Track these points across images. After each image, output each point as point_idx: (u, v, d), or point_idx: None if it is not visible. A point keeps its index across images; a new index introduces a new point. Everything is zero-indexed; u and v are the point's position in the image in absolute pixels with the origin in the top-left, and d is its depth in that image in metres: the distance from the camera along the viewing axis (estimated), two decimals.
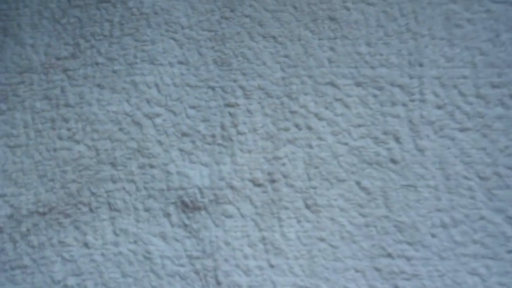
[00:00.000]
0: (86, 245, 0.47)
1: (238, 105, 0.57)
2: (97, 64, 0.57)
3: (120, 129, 0.53)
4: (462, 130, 0.55)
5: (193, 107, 0.56)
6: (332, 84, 0.59)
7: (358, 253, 0.51)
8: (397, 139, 0.56)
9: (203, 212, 0.51)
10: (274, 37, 0.61)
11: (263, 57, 0.60)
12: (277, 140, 0.56)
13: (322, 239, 0.51)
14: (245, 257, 0.49)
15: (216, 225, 0.50)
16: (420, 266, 0.50)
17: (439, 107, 0.57)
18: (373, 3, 0.63)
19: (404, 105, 0.57)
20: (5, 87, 0.54)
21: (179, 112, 0.56)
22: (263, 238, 0.50)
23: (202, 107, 0.57)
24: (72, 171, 0.51)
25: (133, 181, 0.51)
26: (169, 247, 0.48)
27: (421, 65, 0.59)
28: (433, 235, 0.51)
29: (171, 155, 0.53)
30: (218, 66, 0.59)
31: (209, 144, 0.55)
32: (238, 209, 0.51)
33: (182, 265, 0.47)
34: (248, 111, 0.57)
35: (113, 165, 0.52)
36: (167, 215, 0.50)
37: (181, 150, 0.54)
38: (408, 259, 0.51)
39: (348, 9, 0.63)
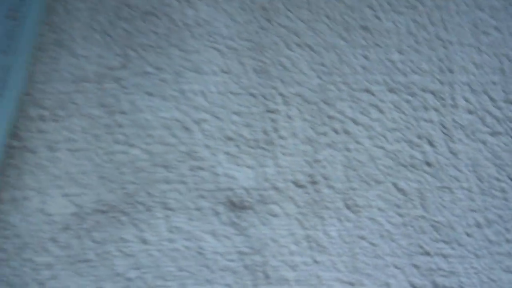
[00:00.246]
0: (144, 241, 0.50)
1: (278, 111, 0.59)
2: (146, 73, 0.60)
3: (171, 134, 0.56)
4: (493, 134, 0.57)
5: (236, 113, 0.59)
6: (366, 90, 0.61)
7: (397, 251, 0.53)
8: (431, 143, 0.58)
9: (250, 211, 0.53)
10: (309, 46, 0.63)
11: (300, 65, 0.62)
12: (316, 144, 0.58)
13: (362, 238, 0.53)
14: (291, 253, 0.51)
15: (263, 224, 0.53)
16: (457, 263, 0.52)
17: (470, 112, 0.59)
18: (403, 12, 0.65)
19: (436, 110, 0.59)
20: (63, 95, 0.57)
21: (223, 118, 0.58)
22: (307, 236, 0.53)
23: (245, 113, 0.59)
24: (129, 172, 0.54)
25: (184, 182, 0.54)
26: (220, 244, 0.51)
27: (451, 71, 0.61)
28: (468, 234, 0.53)
29: (218, 158, 0.56)
30: (257, 74, 0.61)
31: (252, 148, 0.57)
32: (283, 208, 0.54)
33: (232, 260, 0.50)
34: (288, 116, 0.59)
35: (166, 167, 0.54)
36: (217, 214, 0.53)
37: (227, 153, 0.56)
38: (445, 256, 0.52)
39: (379, 18, 0.65)
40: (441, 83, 0.62)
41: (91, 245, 0.50)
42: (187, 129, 0.57)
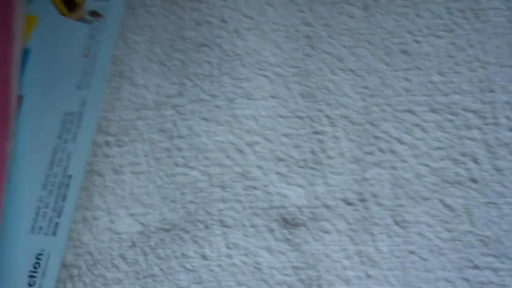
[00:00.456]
0: (204, 257, 0.53)
1: (325, 132, 0.62)
2: (201, 100, 0.64)
3: (226, 156, 0.60)
4: None
5: (285, 135, 0.62)
6: (409, 111, 0.63)
7: (447, 265, 0.53)
8: (475, 160, 0.59)
9: (303, 228, 0.55)
10: (352, 71, 0.66)
11: (344, 89, 0.65)
12: (363, 163, 0.60)
13: (412, 252, 0.54)
14: (344, 268, 0.53)
15: (316, 240, 0.55)
16: (507, 277, 0.52)
17: None
18: (442, 36, 0.67)
19: (478, 128, 0.60)
20: (126, 122, 0.61)
21: (274, 140, 0.61)
22: (359, 251, 0.54)
23: (294, 135, 0.62)
24: (189, 193, 0.57)
25: (239, 201, 0.57)
26: (275, 259, 0.53)
27: (491, 91, 0.62)
28: None
29: (270, 177, 0.59)
30: (304, 98, 0.64)
31: (302, 167, 0.60)
32: (334, 225, 0.56)
33: (288, 275, 0.52)
34: (335, 137, 0.62)
35: (223, 187, 0.58)
36: (271, 231, 0.55)
37: (278, 173, 0.59)
38: (495, 270, 0.53)
39: (418, 42, 0.67)
40: (483, 102, 0.63)
41: (156, 261, 0.53)
42: (240, 151, 0.60)
